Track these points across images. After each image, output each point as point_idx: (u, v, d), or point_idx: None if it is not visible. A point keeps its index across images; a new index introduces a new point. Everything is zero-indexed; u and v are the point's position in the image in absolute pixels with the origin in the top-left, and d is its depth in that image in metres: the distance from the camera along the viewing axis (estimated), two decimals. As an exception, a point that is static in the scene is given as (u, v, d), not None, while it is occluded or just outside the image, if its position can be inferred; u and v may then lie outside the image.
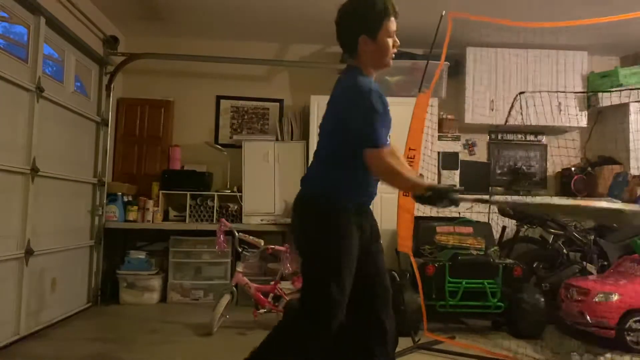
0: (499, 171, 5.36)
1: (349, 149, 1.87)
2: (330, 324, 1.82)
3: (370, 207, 2.07)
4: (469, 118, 4.99)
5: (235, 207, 4.75)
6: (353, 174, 1.92)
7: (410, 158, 3.26)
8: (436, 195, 1.73)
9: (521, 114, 3.99)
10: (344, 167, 1.92)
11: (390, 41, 1.92)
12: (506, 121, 3.96)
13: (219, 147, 4.92)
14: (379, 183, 1.99)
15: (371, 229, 2.02)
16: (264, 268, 4.54)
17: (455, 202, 1.74)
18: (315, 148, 2.04)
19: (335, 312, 1.82)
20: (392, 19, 1.91)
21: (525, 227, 4.31)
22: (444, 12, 3.36)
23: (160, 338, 3.44)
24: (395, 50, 1.95)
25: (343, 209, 1.90)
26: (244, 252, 3.93)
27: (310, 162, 2.11)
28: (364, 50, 1.91)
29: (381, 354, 1.93)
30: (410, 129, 3.34)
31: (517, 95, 3.95)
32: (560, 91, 4.68)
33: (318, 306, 1.84)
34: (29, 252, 3.26)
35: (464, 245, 3.89)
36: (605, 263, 4.08)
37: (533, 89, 4.98)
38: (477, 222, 4.25)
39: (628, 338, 3.21)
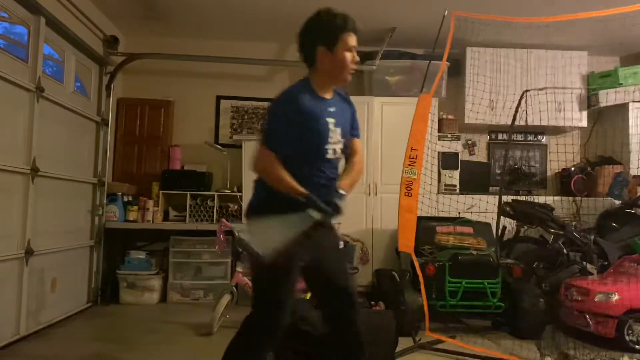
0: (498, 171, 5.37)
1: None
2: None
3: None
4: (469, 118, 4.99)
5: (235, 207, 4.75)
6: None
7: (413, 158, 3.25)
8: (310, 202, 1.79)
9: (525, 112, 3.96)
10: None
11: (349, 55, 1.93)
12: (512, 122, 3.92)
13: (219, 147, 4.92)
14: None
15: None
16: (264, 268, 4.54)
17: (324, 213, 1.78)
18: None
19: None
20: (352, 34, 1.92)
21: (525, 227, 4.30)
22: (446, 11, 3.35)
23: (160, 338, 3.45)
24: (354, 65, 1.95)
25: None
26: (244, 252, 3.91)
27: None
28: (321, 62, 1.93)
29: None
30: (412, 129, 3.33)
31: (523, 93, 3.93)
32: (564, 87, 4.66)
33: None
34: (29, 252, 3.26)
35: (464, 245, 3.89)
36: (605, 263, 4.08)
37: (534, 89, 4.98)
38: (477, 222, 4.24)
39: (628, 338, 3.21)
